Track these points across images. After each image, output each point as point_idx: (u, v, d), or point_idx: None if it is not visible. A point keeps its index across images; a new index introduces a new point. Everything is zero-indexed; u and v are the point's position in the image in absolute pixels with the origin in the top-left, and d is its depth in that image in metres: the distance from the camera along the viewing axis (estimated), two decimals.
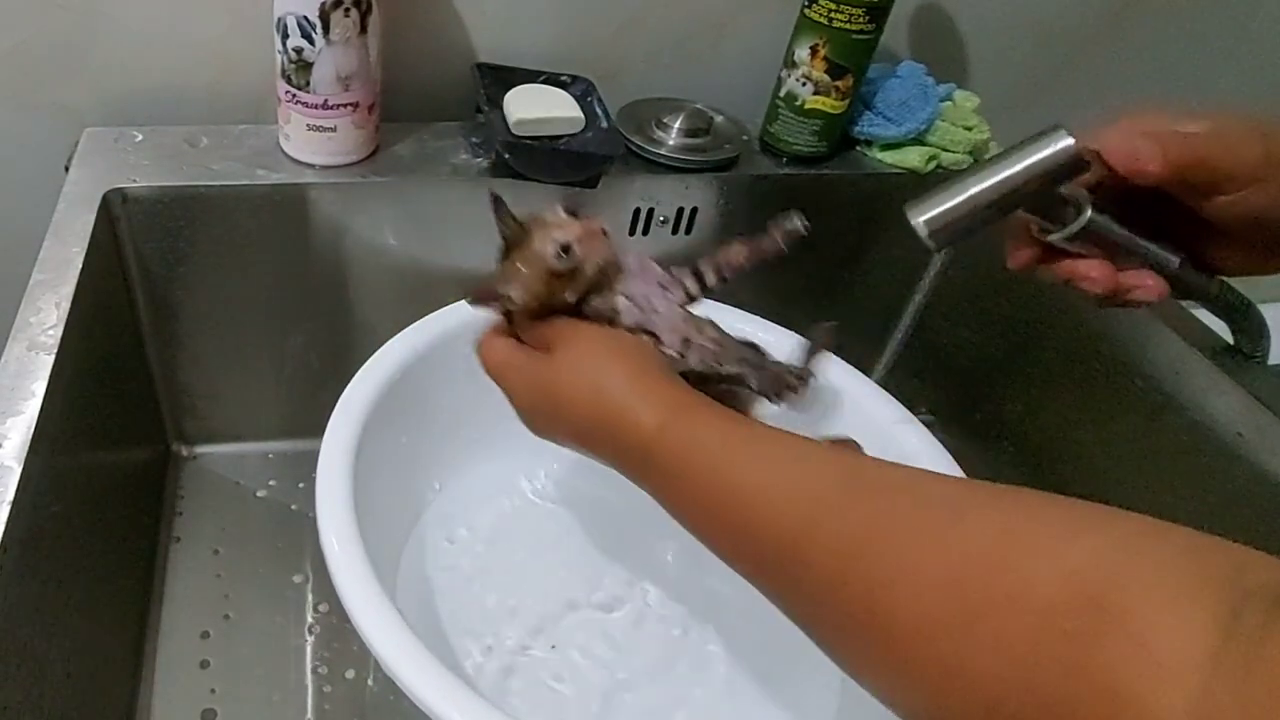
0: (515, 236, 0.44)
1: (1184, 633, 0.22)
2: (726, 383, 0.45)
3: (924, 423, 0.60)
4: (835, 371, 0.62)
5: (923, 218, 0.41)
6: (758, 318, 0.65)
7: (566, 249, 0.41)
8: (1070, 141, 0.39)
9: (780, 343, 0.58)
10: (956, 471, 0.57)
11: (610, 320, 0.43)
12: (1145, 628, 0.23)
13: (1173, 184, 0.39)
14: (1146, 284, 0.43)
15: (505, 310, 0.44)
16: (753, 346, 0.46)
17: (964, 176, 0.41)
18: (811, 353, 0.48)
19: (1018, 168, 0.40)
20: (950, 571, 0.27)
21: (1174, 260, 0.43)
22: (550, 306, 0.43)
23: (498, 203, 0.45)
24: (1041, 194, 0.41)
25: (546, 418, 0.43)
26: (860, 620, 0.29)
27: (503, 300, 0.43)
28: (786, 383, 0.46)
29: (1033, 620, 0.25)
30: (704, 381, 0.43)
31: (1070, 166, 0.39)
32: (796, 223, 0.45)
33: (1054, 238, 0.42)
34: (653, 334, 0.43)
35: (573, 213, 0.43)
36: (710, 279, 0.46)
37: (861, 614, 0.29)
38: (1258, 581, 0.23)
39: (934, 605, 0.27)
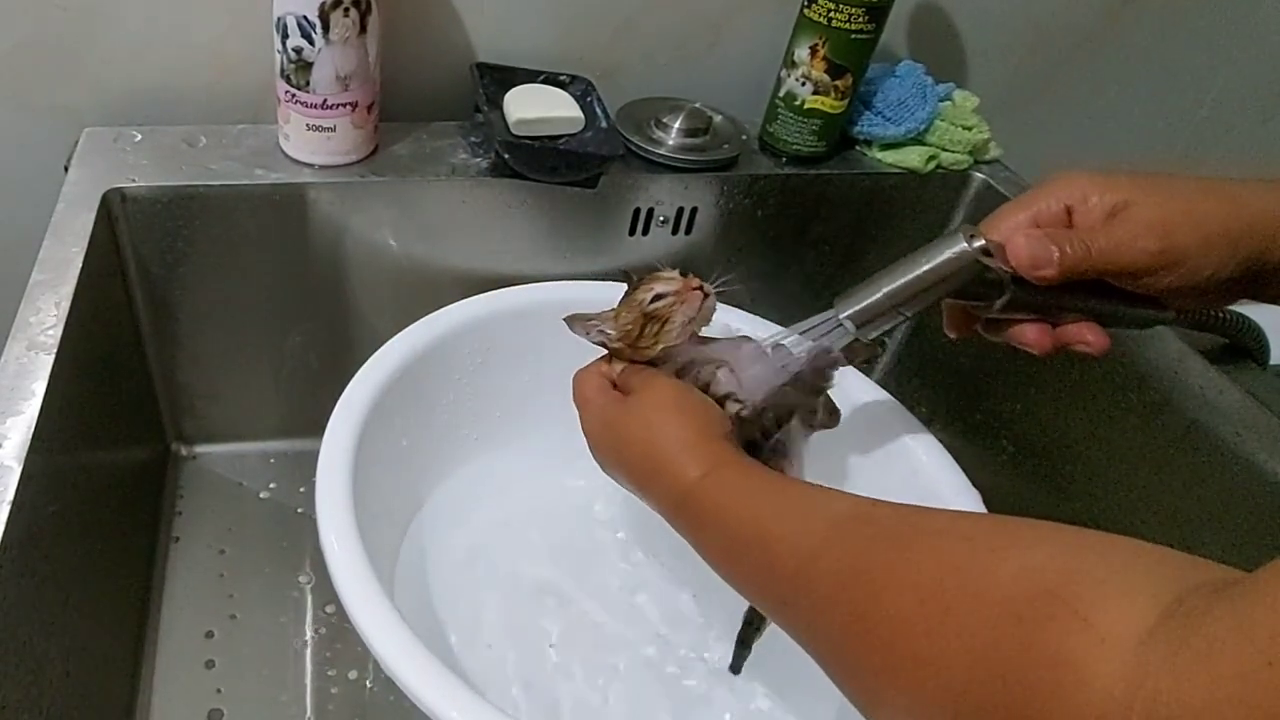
0: (631, 285, 0.50)
1: (1127, 613, 0.24)
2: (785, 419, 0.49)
3: (924, 422, 0.60)
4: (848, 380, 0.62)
5: (845, 313, 0.45)
6: (757, 317, 0.65)
7: (659, 296, 0.47)
8: (964, 248, 0.42)
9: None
10: (958, 475, 0.57)
11: (705, 385, 0.48)
12: (1091, 609, 0.25)
13: (1075, 276, 0.42)
14: (1086, 339, 0.45)
15: (601, 343, 0.49)
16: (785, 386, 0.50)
17: (880, 276, 0.45)
18: (826, 368, 0.50)
19: (921, 270, 0.44)
20: (926, 578, 0.30)
21: (1117, 309, 0.45)
22: (643, 352, 0.48)
23: (627, 275, 0.51)
24: (959, 285, 0.43)
25: (607, 451, 0.47)
26: (852, 631, 0.32)
27: (592, 329, 0.49)
28: (816, 386, 0.50)
29: (994, 611, 0.27)
30: (765, 434, 0.48)
31: (971, 269, 0.42)
32: (868, 345, 0.49)
33: (982, 314, 0.45)
34: (740, 401, 0.47)
35: (684, 274, 0.49)
36: (821, 419, 0.51)
37: (853, 625, 0.32)
38: (1202, 578, 0.25)
39: (911, 609, 0.30)
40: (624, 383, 0.49)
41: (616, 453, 0.47)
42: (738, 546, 0.40)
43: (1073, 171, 0.44)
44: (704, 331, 0.50)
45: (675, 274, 0.49)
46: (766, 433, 0.47)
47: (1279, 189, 0.42)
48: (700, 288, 0.48)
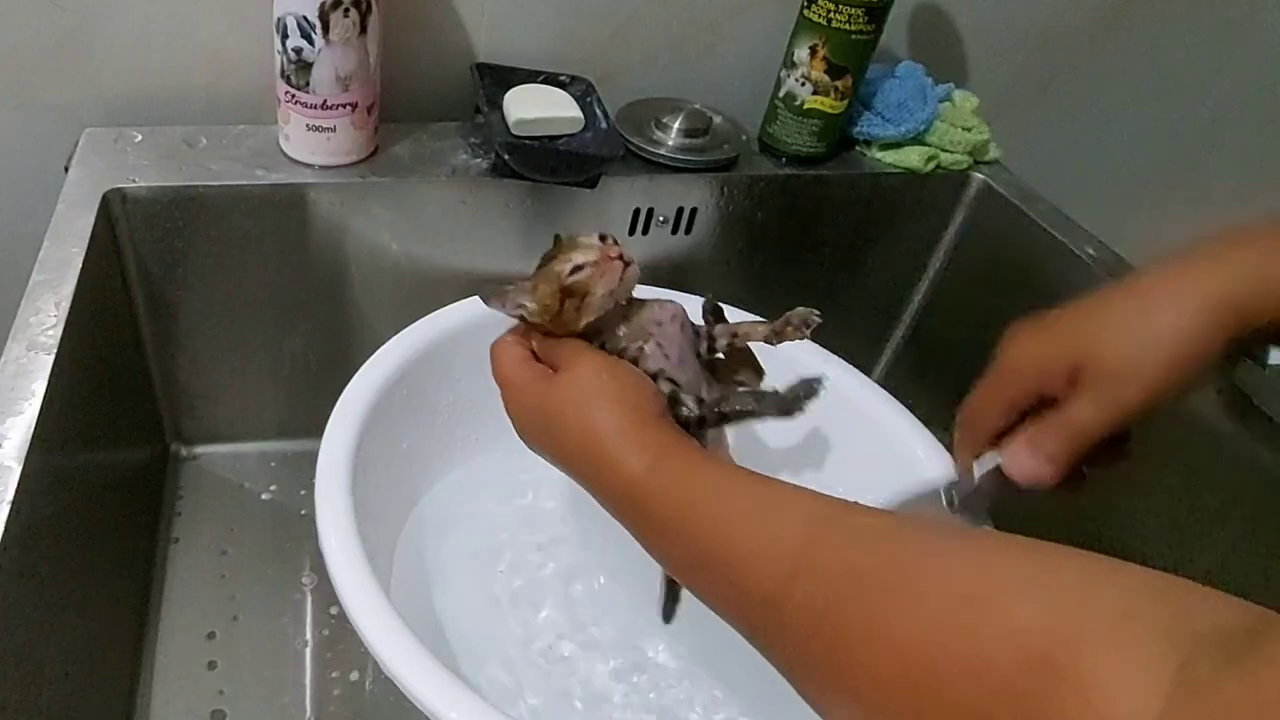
0: (548, 253, 0.46)
1: (1131, 689, 0.22)
2: (733, 420, 0.47)
3: (923, 422, 0.60)
4: (835, 372, 0.62)
5: None
6: (756, 317, 0.65)
7: (578, 268, 0.43)
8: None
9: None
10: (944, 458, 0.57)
11: (635, 360, 0.45)
12: (1093, 685, 0.23)
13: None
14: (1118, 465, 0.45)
15: (520, 317, 0.45)
16: (754, 393, 0.48)
17: None
18: (804, 397, 0.48)
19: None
20: (910, 636, 0.28)
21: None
22: (565, 326, 0.44)
23: (556, 237, 0.47)
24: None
25: (537, 434, 0.44)
26: (829, 673, 0.31)
27: (509, 302, 0.45)
28: (787, 409, 0.47)
29: (986, 682, 0.25)
30: (703, 423, 0.45)
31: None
32: (815, 317, 0.48)
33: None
34: (674, 381, 0.45)
35: (603, 238, 0.45)
36: (720, 345, 0.49)
37: (831, 668, 0.31)
38: (1207, 625, 0.23)
39: (894, 667, 0.28)
40: (547, 356, 0.45)
41: (550, 439, 0.43)
42: (699, 561, 0.37)
43: (1018, 335, 0.45)
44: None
45: (594, 241, 0.45)
46: (704, 424, 0.45)
47: (1209, 264, 0.40)
48: (620, 256, 0.44)
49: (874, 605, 0.30)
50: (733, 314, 0.63)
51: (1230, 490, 0.58)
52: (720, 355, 0.49)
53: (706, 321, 0.49)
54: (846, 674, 0.30)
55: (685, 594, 0.55)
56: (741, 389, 0.48)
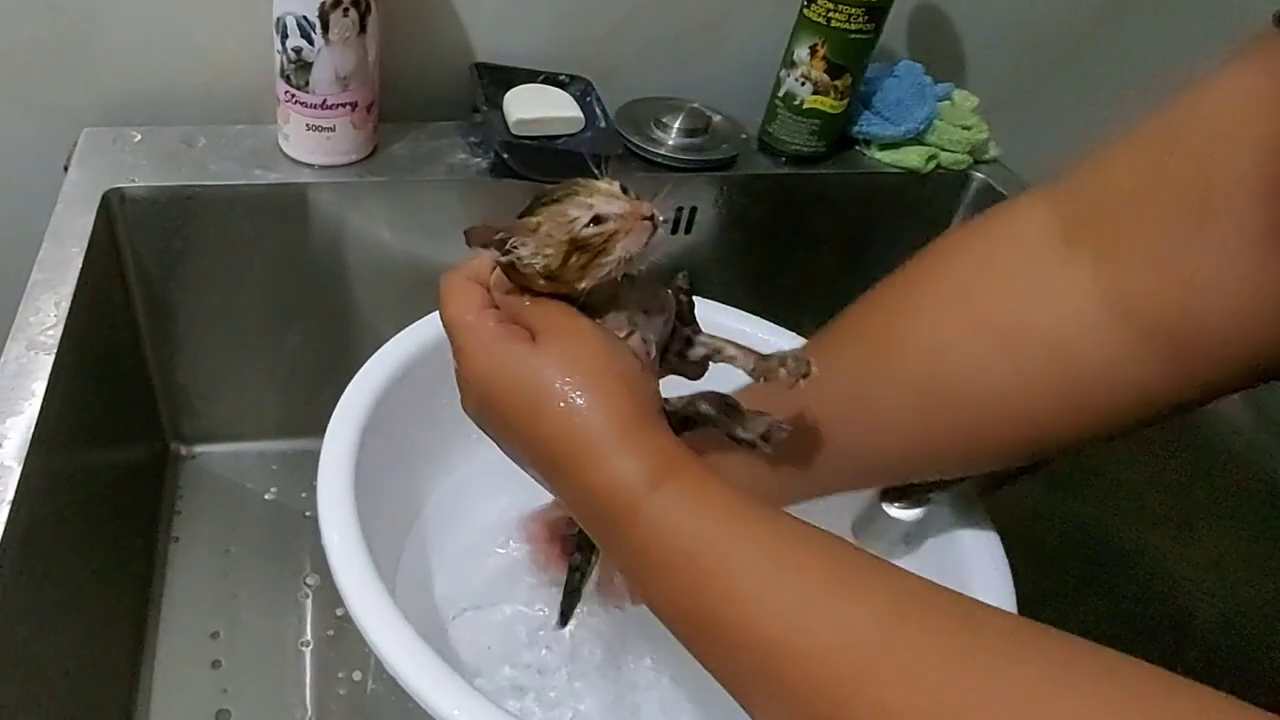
0: (548, 194, 0.37)
1: None
2: (693, 428, 0.43)
3: None
4: None
5: None
6: (756, 317, 0.65)
7: (599, 219, 0.35)
8: None
9: (779, 342, 0.58)
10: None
11: None
12: None
13: None
14: None
15: (507, 265, 0.37)
16: (724, 405, 0.44)
17: None
18: (772, 439, 0.44)
19: None
20: None
21: None
22: (555, 285, 0.36)
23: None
24: None
25: (495, 407, 0.35)
26: None
27: (501, 246, 0.36)
28: (751, 442, 0.44)
29: None
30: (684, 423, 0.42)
31: None
32: (812, 368, 0.40)
33: None
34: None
35: (625, 190, 0.37)
36: (694, 354, 0.43)
37: None
38: None
39: None
40: (517, 313, 0.36)
41: (515, 419, 0.35)
42: (709, 622, 0.30)
43: None
44: None
45: (617, 188, 0.37)
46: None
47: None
48: (651, 217, 0.36)
49: None
50: (730, 314, 0.63)
51: (1230, 490, 0.58)
52: (688, 360, 0.43)
53: (679, 303, 0.42)
54: None
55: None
56: (711, 397, 0.44)
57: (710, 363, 0.43)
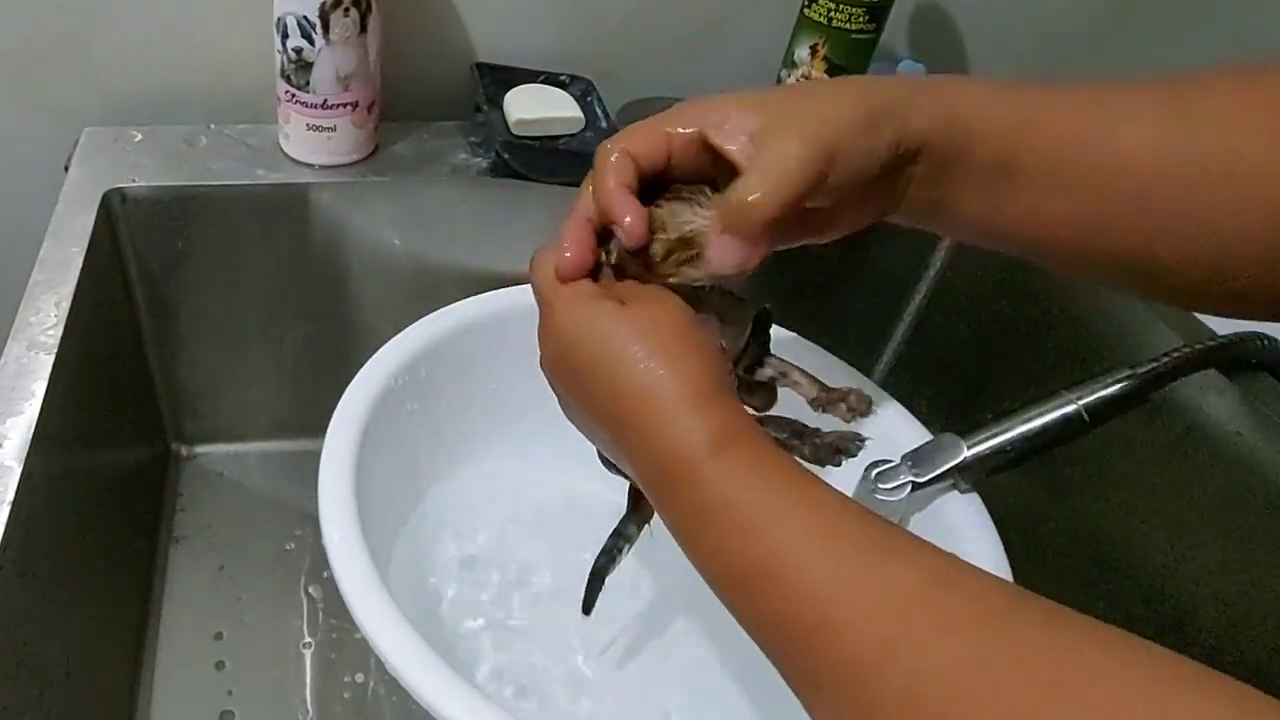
0: (676, 189, 0.38)
1: None
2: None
3: (923, 423, 0.60)
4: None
5: None
6: (824, 350, 0.64)
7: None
8: None
9: (777, 340, 0.58)
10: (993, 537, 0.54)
11: None
12: None
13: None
14: None
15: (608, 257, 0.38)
16: (791, 425, 0.44)
17: None
18: (841, 453, 0.44)
19: None
20: None
21: None
22: (646, 275, 0.38)
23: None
24: None
25: (575, 364, 0.36)
26: None
27: (629, 213, 0.36)
28: (820, 458, 0.43)
29: None
30: None
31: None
32: (872, 407, 0.43)
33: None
34: None
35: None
36: (763, 375, 0.44)
37: None
38: None
39: None
40: (609, 286, 0.38)
41: (591, 376, 0.36)
42: (755, 584, 0.31)
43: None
44: None
45: (711, 202, 0.37)
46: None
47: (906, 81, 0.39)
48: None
49: None
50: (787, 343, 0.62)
51: (1230, 490, 0.58)
52: (755, 381, 0.44)
53: (755, 331, 0.44)
54: None
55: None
56: (776, 417, 0.44)
57: (776, 388, 0.44)
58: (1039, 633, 0.26)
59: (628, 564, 0.67)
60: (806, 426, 0.43)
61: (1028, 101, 0.39)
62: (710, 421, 0.33)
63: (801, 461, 0.39)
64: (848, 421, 0.42)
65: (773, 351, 0.45)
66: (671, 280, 0.37)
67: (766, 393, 0.45)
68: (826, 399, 0.43)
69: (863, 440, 0.43)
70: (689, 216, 0.37)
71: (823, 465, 0.42)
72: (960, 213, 0.40)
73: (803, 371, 0.44)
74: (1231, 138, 0.36)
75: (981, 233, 0.41)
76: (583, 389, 0.37)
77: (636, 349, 0.34)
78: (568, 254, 0.37)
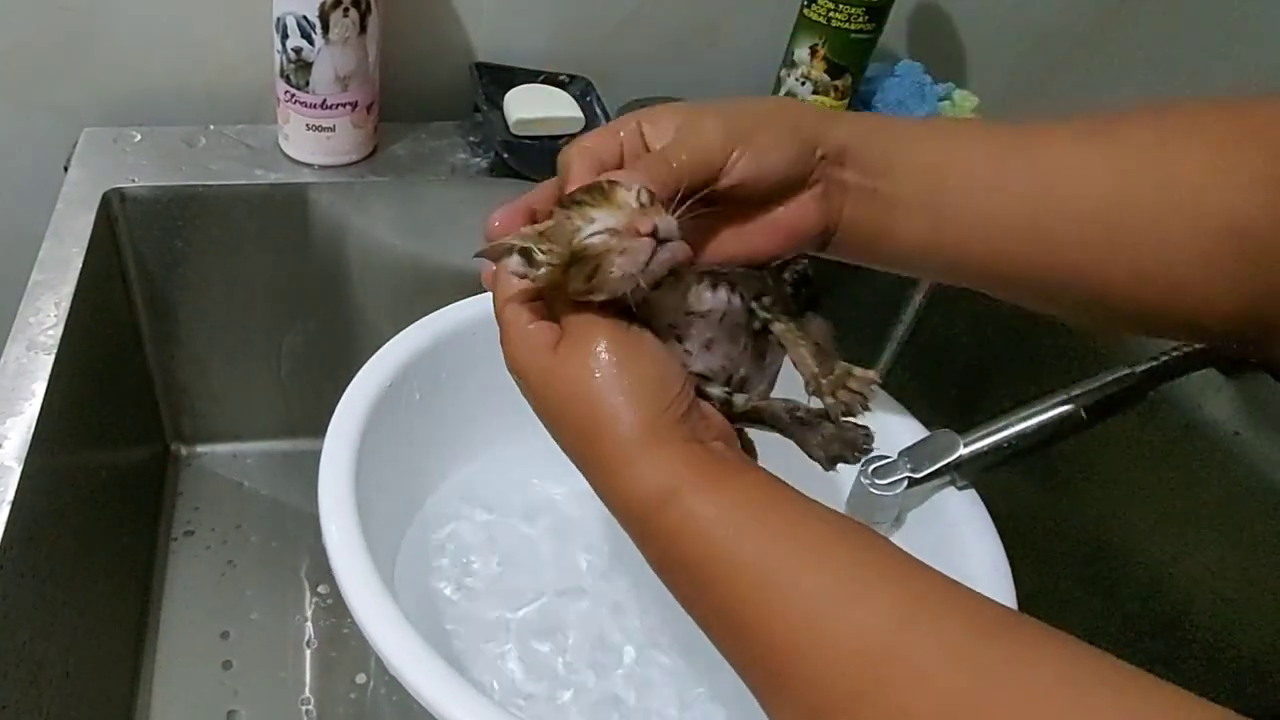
0: (570, 196, 0.34)
1: None
2: (759, 427, 0.40)
3: (923, 422, 0.60)
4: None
5: None
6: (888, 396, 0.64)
7: (599, 232, 0.32)
8: None
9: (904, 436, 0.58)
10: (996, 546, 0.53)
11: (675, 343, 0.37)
12: None
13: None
14: None
15: (522, 277, 0.36)
16: (799, 416, 0.40)
17: None
18: (850, 451, 0.40)
19: None
20: None
21: None
22: (575, 295, 0.34)
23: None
24: None
25: (538, 408, 0.37)
26: None
27: (502, 251, 0.35)
28: (847, 447, 0.39)
29: None
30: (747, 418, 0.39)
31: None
32: (875, 384, 0.38)
33: None
34: (701, 375, 0.37)
35: (645, 199, 0.33)
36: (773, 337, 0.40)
37: None
38: None
39: None
40: (555, 311, 0.37)
41: (549, 423, 0.36)
42: (727, 625, 0.31)
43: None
44: None
45: (633, 198, 0.33)
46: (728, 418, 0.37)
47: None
48: (653, 233, 0.32)
49: None
50: None
51: (1229, 490, 0.58)
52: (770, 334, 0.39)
53: (795, 286, 0.40)
54: None
55: None
56: (787, 406, 0.40)
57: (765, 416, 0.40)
58: (1008, 670, 0.26)
59: (628, 568, 0.67)
60: (812, 419, 0.40)
61: (949, 130, 0.42)
62: (655, 468, 0.33)
63: (807, 455, 0.39)
64: (838, 415, 0.38)
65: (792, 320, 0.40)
66: (593, 297, 0.33)
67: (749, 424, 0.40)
68: (821, 388, 0.38)
69: (871, 436, 0.39)
70: (576, 224, 0.33)
71: (832, 464, 0.39)
72: (904, 238, 0.41)
73: (815, 347, 0.39)
74: (1146, 155, 0.39)
75: (936, 264, 0.42)
76: (550, 431, 0.37)
77: (566, 406, 0.34)
78: (495, 224, 0.39)
